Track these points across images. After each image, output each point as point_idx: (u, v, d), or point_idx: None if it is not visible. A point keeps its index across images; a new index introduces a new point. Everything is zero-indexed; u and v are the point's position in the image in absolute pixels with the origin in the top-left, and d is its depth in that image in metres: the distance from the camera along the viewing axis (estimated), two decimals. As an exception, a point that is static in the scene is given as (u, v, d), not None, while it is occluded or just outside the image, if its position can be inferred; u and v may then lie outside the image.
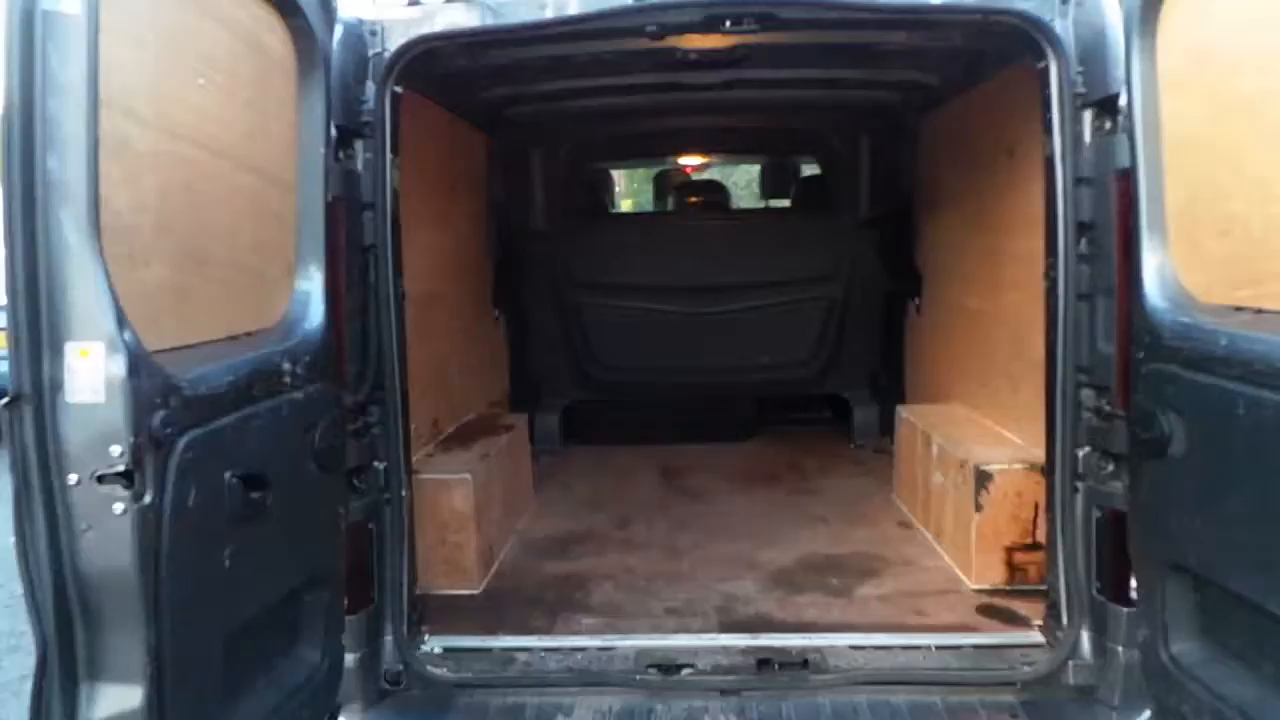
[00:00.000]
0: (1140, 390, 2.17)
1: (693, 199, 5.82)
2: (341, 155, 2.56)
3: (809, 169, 5.85)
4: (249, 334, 2.05)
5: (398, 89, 2.67)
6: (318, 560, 2.20)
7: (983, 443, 3.33)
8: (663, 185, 6.56)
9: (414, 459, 3.23)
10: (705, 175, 6.59)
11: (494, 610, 3.02)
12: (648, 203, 7.27)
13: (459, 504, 3.17)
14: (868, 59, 3.67)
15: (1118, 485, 2.44)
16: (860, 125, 4.87)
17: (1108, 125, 2.41)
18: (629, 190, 8.29)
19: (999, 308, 3.53)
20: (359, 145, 2.61)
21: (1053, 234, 2.54)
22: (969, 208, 3.88)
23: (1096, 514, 2.50)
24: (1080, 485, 2.54)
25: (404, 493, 2.69)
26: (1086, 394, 2.53)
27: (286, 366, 2.06)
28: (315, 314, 2.31)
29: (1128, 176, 2.28)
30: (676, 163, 6.51)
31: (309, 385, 2.13)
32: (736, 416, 5.38)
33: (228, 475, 1.74)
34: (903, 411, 4.09)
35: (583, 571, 3.34)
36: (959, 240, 4.03)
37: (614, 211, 6.01)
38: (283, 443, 1.99)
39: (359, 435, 2.60)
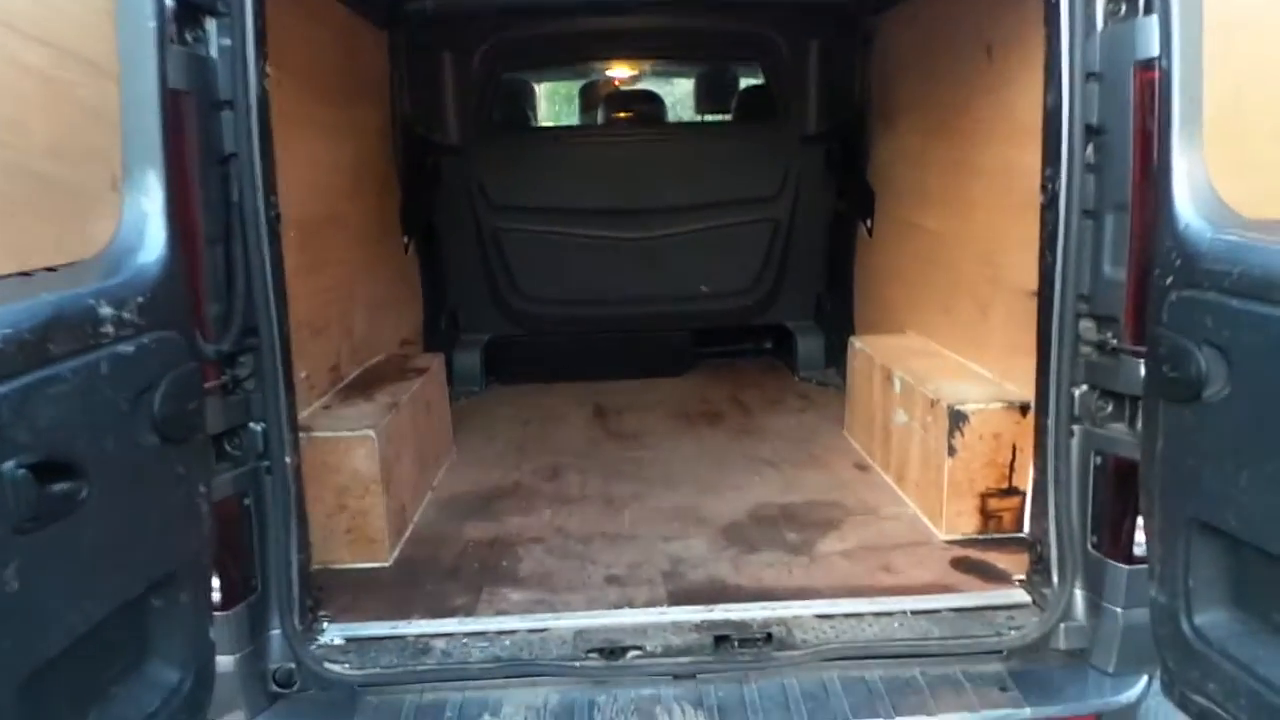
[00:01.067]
0: (1167, 322, 1.83)
1: (623, 112, 5.30)
2: (187, 37, 2.03)
3: (751, 80, 5.36)
4: (50, 269, 1.54)
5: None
6: (169, 554, 1.73)
7: (952, 378, 3.02)
8: (590, 98, 5.96)
9: (306, 414, 2.77)
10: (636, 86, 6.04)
11: (407, 587, 2.60)
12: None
13: (361, 465, 2.71)
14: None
15: (1121, 429, 2.15)
16: (808, 27, 4.41)
17: (1124, 9, 2.04)
18: (551, 114, 7.66)
19: (965, 227, 3.19)
20: (212, 26, 2.07)
21: (1054, 141, 2.16)
22: (931, 117, 3.50)
23: (1095, 460, 2.21)
24: (1076, 428, 2.24)
25: (288, 458, 2.22)
26: (1086, 326, 2.21)
27: (107, 311, 1.55)
28: (154, 242, 1.78)
29: (1152, 68, 1.92)
30: (605, 74, 5.95)
31: (143, 335, 1.63)
32: (672, 349, 5.00)
33: (8, 466, 1.26)
34: (856, 343, 3.76)
35: (510, 534, 2.94)
36: (917, 154, 3.66)
37: (535, 126, 5.45)
38: (103, 412, 1.50)
39: (226, 392, 2.11)
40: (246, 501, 2.17)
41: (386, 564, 2.74)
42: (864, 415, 3.61)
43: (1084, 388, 2.23)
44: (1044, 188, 2.24)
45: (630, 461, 3.63)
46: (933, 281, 3.54)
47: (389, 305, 3.87)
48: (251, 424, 2.20)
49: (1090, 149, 2.11)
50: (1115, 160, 2.05)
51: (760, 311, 4.91)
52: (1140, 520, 2.08)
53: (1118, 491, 2.16)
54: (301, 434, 2.65)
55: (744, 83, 5.30)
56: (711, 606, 2.39)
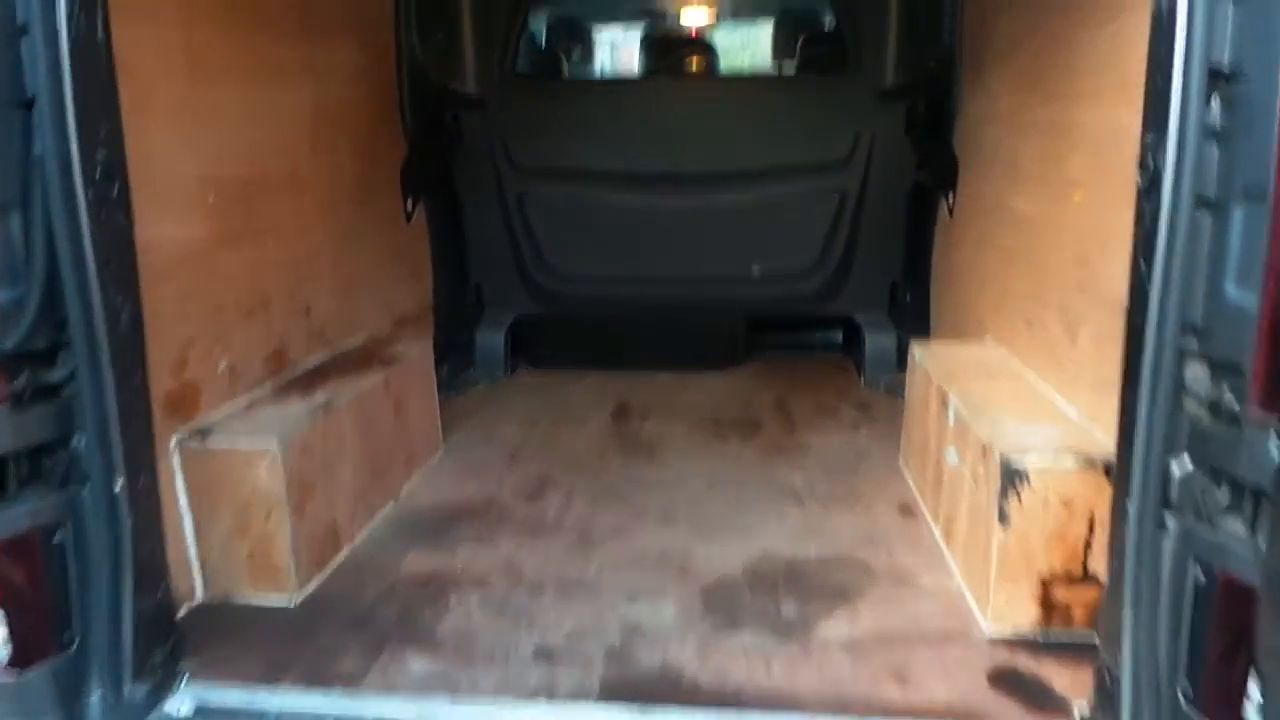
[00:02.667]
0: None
1: (669, 63, 4.63)
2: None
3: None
4: None
5: None
6: None
7: (1020, 414, 2.29)
8: (647, 46, 5.30)
9: (220, 414, 2.36)
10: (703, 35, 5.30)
11: (299, 637, 2.14)
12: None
13: (264, 482, 2.26)
14: None
15: (1237, 532, 1.43)
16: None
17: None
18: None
19: (1059, 213, 2.43)
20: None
21: (1159, 92, 1.44)
22: (1028, 66, 2.72)
23: (1196, 572, 1.50)
24: (1171, 521, 1.53)
25: (118, 481, 1.78)
26: (1195, 372, 1.49)
27: None
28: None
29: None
30: (671, 16, 5.26)
31: None
32: (720, 339, 4.36)
33: None
34: (917, 351, 3.03)
35: (451, 572, 2.44)
36: (1008, 113, 2.88)
37: (567, 77, 4.85)
38: None
39: (24, 402, 1.68)
40: (59, 536, 1.75)
41: (289, 602, 2.29)
42: (919, 443, 2.91)
43: (1185, 463, 1.51)
44: (1142, 164, 1.51)
45: (631, 482, 3.06)
46: (1017, 281, 2.78)
47: (375, 280, 3.41)
48: (74, 439, 1.77)
49: (1215, 104, 1.38)
50: (1255, 123, 1.31)
51: (822, 300, 4.20)
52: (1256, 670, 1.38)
53: (1226, 623, 1.45)
54: (195, 442, 2.25)
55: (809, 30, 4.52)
56: (648, 710, 1.82)
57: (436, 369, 3.67)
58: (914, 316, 3.98)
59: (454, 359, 4.19)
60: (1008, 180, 2.87)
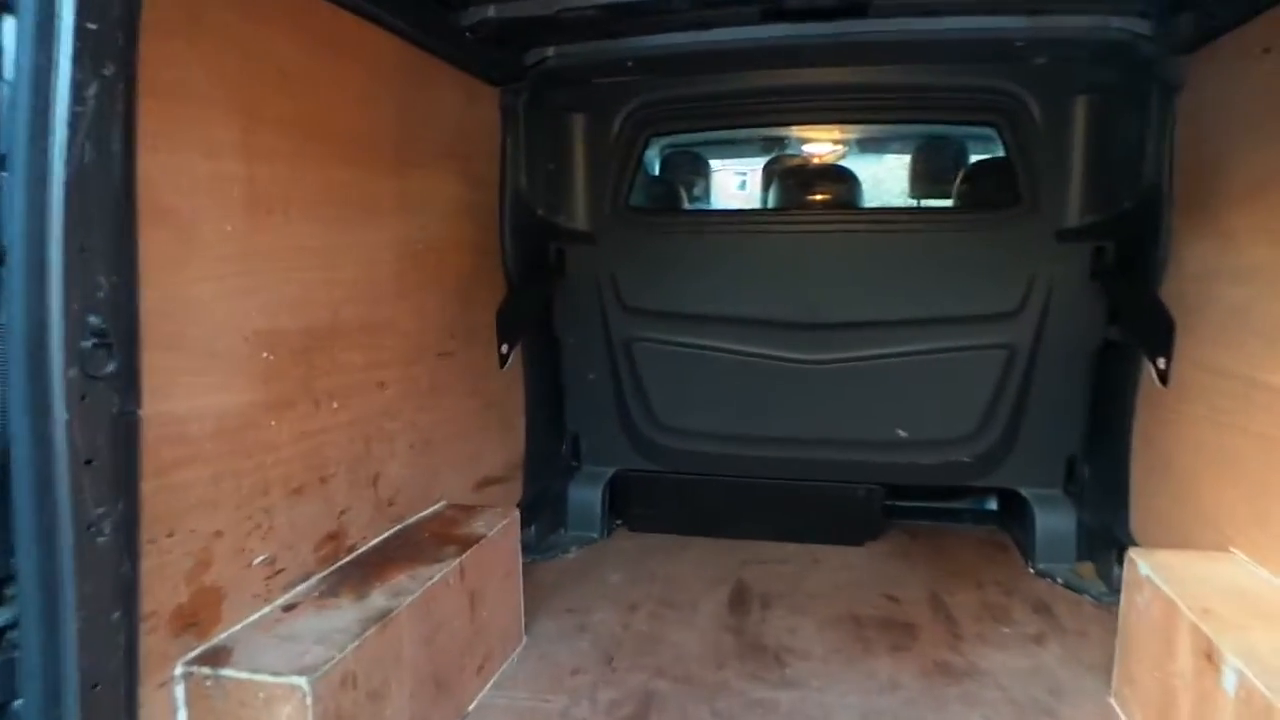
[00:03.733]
0: None
1: (804, 194, 4.18)
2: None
3: (982, 153, 4.05)
4: None
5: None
6: None
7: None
8: (771, 176, 4.87)
9: (250, 620, 1.86)
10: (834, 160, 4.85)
11: None
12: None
13: (289, 728, 1.72)
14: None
15: None
16: (1072, 78, 3.09)
17: None
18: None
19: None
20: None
21: None
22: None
23: None
24: None
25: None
26: None
27: None
28: None
29: None
30: (794, 144, 4.86)
31: None
32: (853, 511, 3.70)
33: None
34: (1141, 563, 2.33)
35: None
36: (1264, 266, 2.24)
37: (687, 209, 4.44)
38: None
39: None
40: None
41: None
42: (1153, 692, 2.17)
43: None
44: None
45: (759, 708, 2.40)
46: (1292, 482, 2.08)
47: (459, 438, 2.94)
48: (15, 705, 1.27)
49: None
50: None
51: (982, 471, 3.52)
52: None
53: None
54: (205, 670, 1.74)
55: (974, 156, 4.00)
56: None
57: (523, 530, 3.17)
58: (1100, 498, 3.26)
59: (544, 518, 3.65)
60: (1270, 351, 2.20)
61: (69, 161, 1.26)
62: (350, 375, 2.30)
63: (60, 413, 1.25)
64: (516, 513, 2.80)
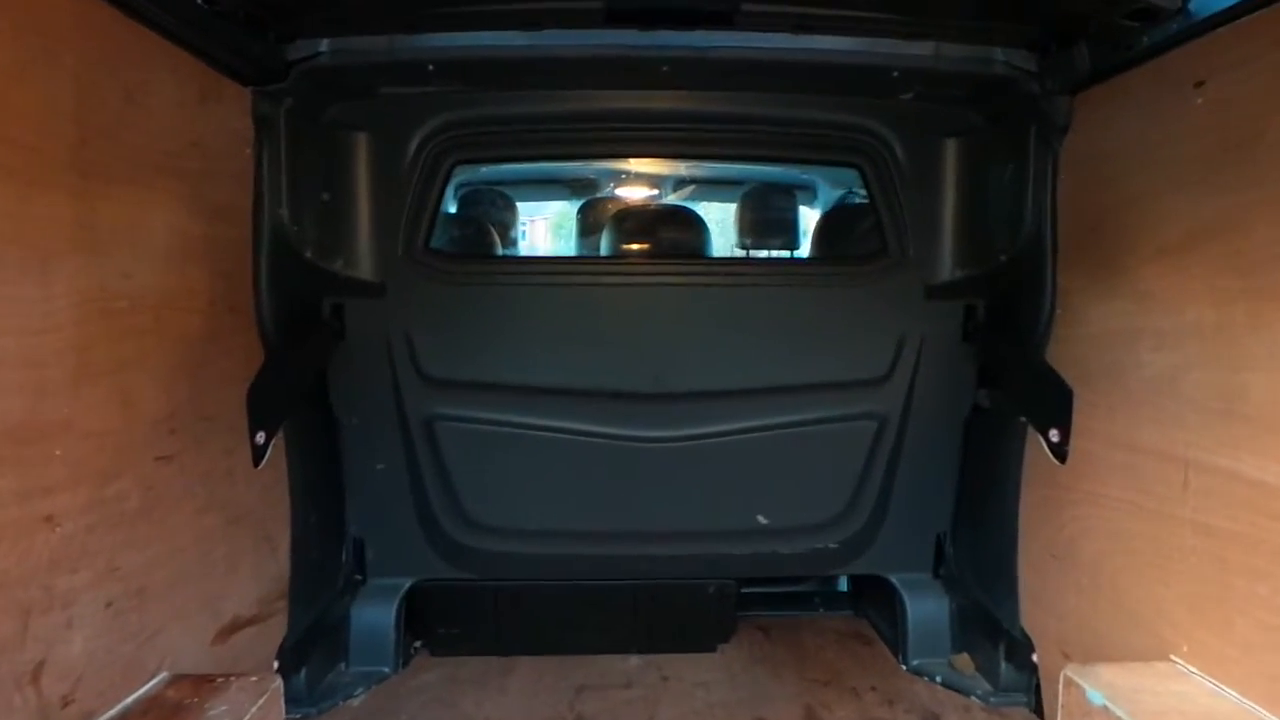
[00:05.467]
0: None
1: (640, 241, 3.62)
2: None
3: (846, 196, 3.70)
4: None
5: None
6: None
7: None
8: (593, 216, 4.27)
9: None
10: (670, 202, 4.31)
11: None
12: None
13: None
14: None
15: None
16: (941, 117, 2.77)
17: None
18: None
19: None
20: None
21: None
22: (1257, 267, 1.79)
23: None
24: None
25: None
26: None
27: None
28: None
29: None
30: (616, 188, 4.32)
31: None
32: (705, 612, 3.14)
33: None
34: (1090, 690, 1.92)
35: None
36: (1217, 332, 1.92)
37: (503, 253, 3.75)
38: None
39: None
40: None
41: None
42: None
43: None
44: None
45: None
46: (1266, 591, 1.74)
47: (192, 574, 2.06)
48: None
49: None
50: None
51: (848, 558, 3.08)
52: None
53: None
54: None
55: (828, 199, 3.62)
56: None
57: (290, 677, 2.43)
58: (974, 582, 2.92)
59: (319, 656, 2.78)
60: (1214, 429, 1.88)
61: None
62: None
63: None
64: (278, 682, 1.97)
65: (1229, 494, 1.85)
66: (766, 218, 4.04)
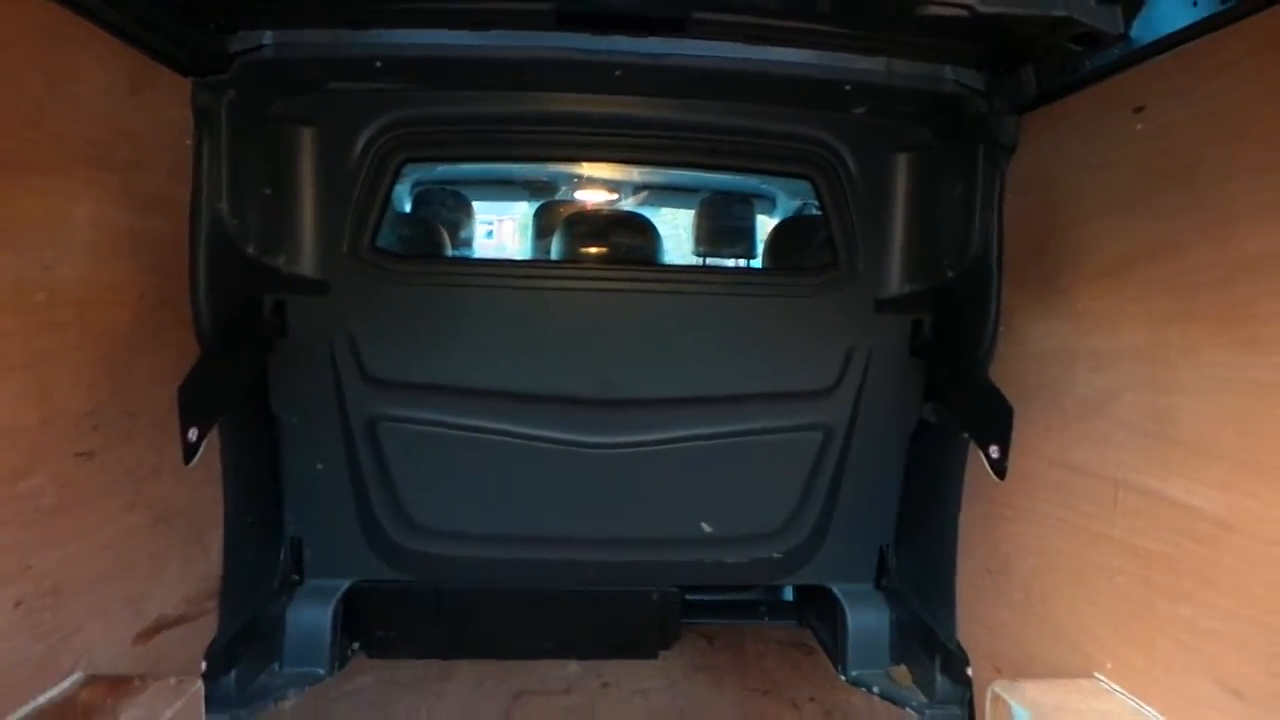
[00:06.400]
0: None
1: (591, 245, 3.61)
2: None
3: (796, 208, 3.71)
4: None
5: None
6: None
7: None
8: (548, 220, 4.25)
9: None
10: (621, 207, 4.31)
11: None
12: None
13: None
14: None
15: None
16: (893, 131, 2.79)
17: None
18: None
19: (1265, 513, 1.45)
20: None
21: None
22: (1188, 292, 1.81)
23: None
24: None
25: None
26: None
27: None
28: None
29: None
30: (573, 192, 4.30)
31: None
32: (647, 618, 3.13)
33: None
34: (1011, 699, 1.94)
35: None
36: (1150, 354, 1.95)
37: (451, 254, 3.72)
38: None
39: None
40: None
41: None
42: None
43: None
44: None
45: None
46: (1189, 610, 1.76)
47: (112, 572, 2.01)
48: None
49: None
50: None
51: (792, 568, 3.09)
52: None
53: None
54: None
55: (786, 209, 3.63)
56: None
57: (219, 678, 2.42)
58: (913, 594, 2.94)
59: (251, 655, 2.73)
60: (1146, 451, 1.90)
61: None
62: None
63: None
64: (199, 685, 1.92)
65: (1155, 515, 1.88)
66: (724, 225, 4.05)
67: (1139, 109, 1.95)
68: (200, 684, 1.94)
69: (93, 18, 1.83)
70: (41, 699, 1.76)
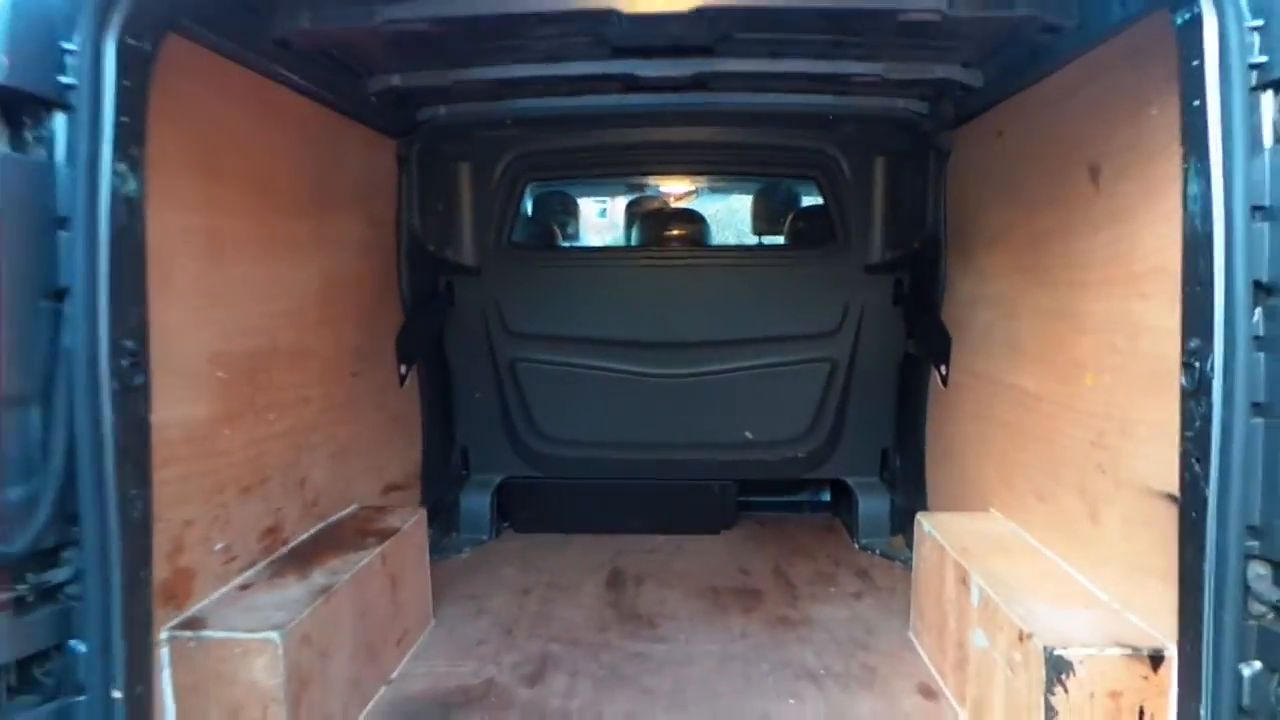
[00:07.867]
0: None
1: (660, 233, 4.83)
2: (26, 136, 1.59)
3: (810, 198, 4.83)
4: None
5: (137, 41, 1.68)
6: None
7: (1051, 598, 2.26)
8: (630, 215, 5.54)
9: (214, 598, 2.23)
10: (685, 204, 5.57)
11: None
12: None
13: (260, 676, 2.10)
14: (885, 48, 2.71)
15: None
16: (873, 142, 3.86)
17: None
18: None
19: (1069, 394, 2.49)
20: (59, 124, 1.62)
21: (1200, 302, 1.50)
22: (1022, 254, 2.84)
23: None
24: (1249, 732, 1.48)
25: (117, 692, 1.63)
26: (1257, 573, 1.49)
27: None
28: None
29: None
30: (652, 188, 5.53)
31: None
32: (710, 503, 4.31)
33: None
34: (925, 523, 3.01)
35: (454, 772, 2.26)
36: (1005, 297, 2.99)
37: (562, 245, 5.01)
38: None
39: (24, 605, 1.56)
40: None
41: (279, 814, 2.09)
42: (934, 619, 2.84)
43: (1256, 668, 1.48)
44: (1187, 366, 1.55)
45: (637, 659, 2.93)
46: (1026, 456, 2.80)
47: (369, 448, 3.33)
48: (73, 644, 1.64)
49: (1259, 316, 1.44)
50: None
51: (814, 465, 4.21)
52: None
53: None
54: (187, 634, 2.09)
55: (802, 202, 4.77)
56: None
57: None
58: (906, 482, 4.00)
59: (439, 522, 4.06)
60: (1007, 359, 2.94)
61: (112, 222, 1.65)
62: (283, 392, 2.69)
63: (108, 416, 1.63)
64: (423, 510, 3.23)
65: (1013, 399, 2.92)
66: (773, 209, 5.17)
67: (1000, 133, 2.98)
68: (424, 512, 3.24)
69: (351, 116, 3.13)
70: (343, 513, 3.09)
